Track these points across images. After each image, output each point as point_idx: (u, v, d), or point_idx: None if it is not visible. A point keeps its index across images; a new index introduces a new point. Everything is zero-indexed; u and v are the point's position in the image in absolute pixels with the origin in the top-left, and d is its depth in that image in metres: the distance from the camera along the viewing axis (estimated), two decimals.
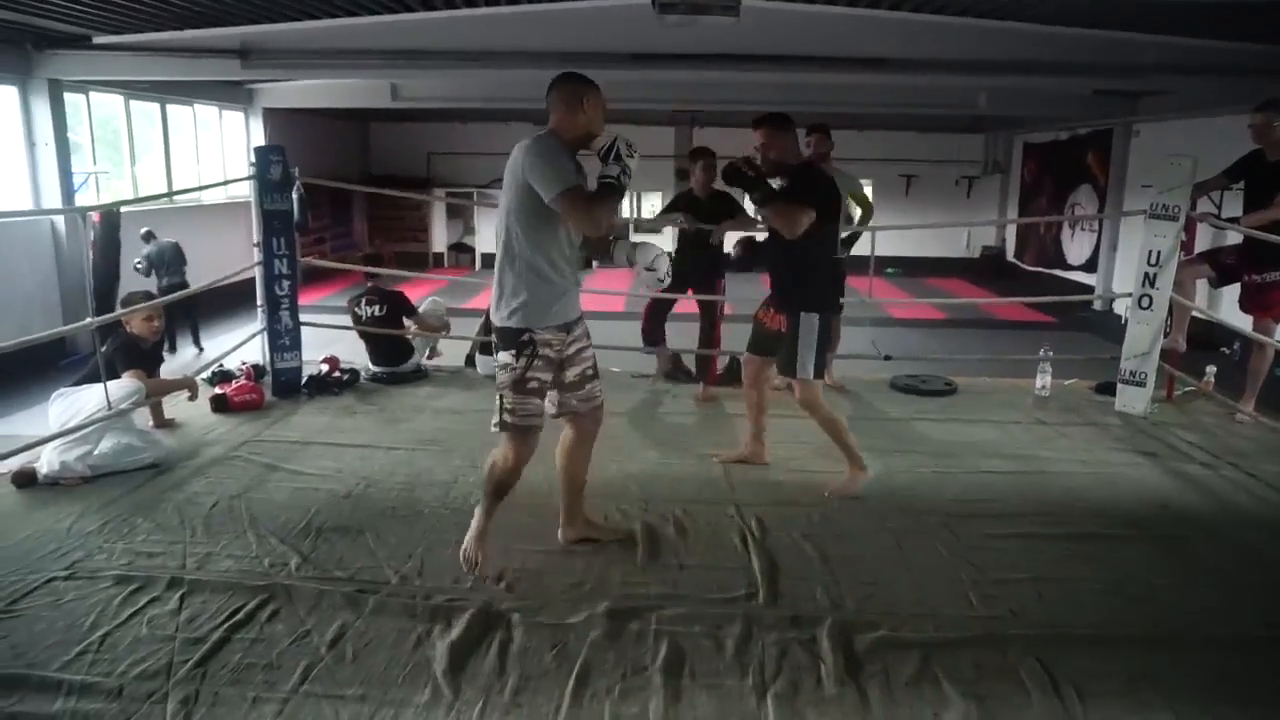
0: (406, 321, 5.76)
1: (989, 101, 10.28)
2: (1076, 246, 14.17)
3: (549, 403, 2.95)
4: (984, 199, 16.66)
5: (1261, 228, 4.46)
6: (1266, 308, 4.79)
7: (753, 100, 10.63)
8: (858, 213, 5.64)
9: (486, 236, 16.09)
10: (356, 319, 5.71)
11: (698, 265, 5.36)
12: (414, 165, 16.61)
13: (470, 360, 5.89)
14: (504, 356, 2.79)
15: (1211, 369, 5.28)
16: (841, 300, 3.72)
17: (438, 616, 2.66)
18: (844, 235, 5.69)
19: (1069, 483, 3.91)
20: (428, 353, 5.76)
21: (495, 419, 2.86)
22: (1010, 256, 16.63)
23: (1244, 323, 5.00)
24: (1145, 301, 4.84)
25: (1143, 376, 4.87)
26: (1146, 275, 4.82)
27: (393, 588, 2.84)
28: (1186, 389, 5.29)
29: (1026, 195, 16.17)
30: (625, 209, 20.48)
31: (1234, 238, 4.89)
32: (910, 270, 15.14)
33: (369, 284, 5.84)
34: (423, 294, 7.54)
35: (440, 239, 16.77)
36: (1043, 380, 5.29)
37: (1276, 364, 5.72)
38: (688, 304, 5.63)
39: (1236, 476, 4.04)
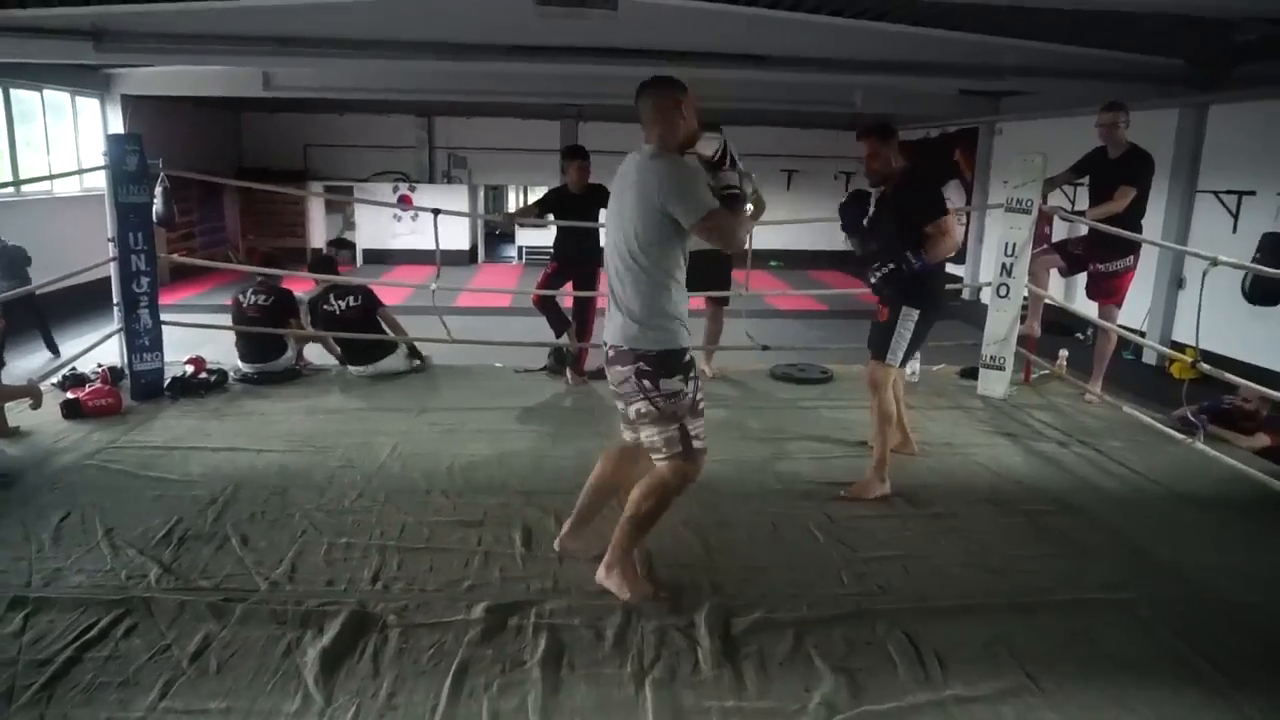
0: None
1: (864, 100, 10.63)
2: None
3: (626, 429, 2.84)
4: None
5: (1104, 220, 4.78)
6: (1109, 294, 5.14)
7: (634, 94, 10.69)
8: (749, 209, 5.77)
9: (368, 232, 15.57)
10: (239, 307, 5.46)
11: (578, 258, 5.42)
12: (290, 157, 15.93)
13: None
14: (673, 384, 2.59)
15: (1064, 353, 5.63)
16: (942, 303, 3.85)
17: (309, 622, 2.57)
18: None
19: (935, 464, 4.11)
20: (297, 357, 5.53)
21: (673, 449, 2.63)
22: None
23: (1093, 310, 5.36)
24: (1003, 290, 5.11)
25: (1002, 361, 5.15)
26: (1004, 265, 5.10)
27: (262, 594, 2.74)
28: (1042, 372, 5.63)
29: None
30: (510, 202, 20.26)
31: (1083, 230, 5.21)
32: (792, 263, 15.54)
33: (258, 279, 5.59)
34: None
35: (319, 234, 16.15)
36: (912, 366, 5.51)
37: (1121, 347, 6.15)
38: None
39: (1085, 453, 4.33)
